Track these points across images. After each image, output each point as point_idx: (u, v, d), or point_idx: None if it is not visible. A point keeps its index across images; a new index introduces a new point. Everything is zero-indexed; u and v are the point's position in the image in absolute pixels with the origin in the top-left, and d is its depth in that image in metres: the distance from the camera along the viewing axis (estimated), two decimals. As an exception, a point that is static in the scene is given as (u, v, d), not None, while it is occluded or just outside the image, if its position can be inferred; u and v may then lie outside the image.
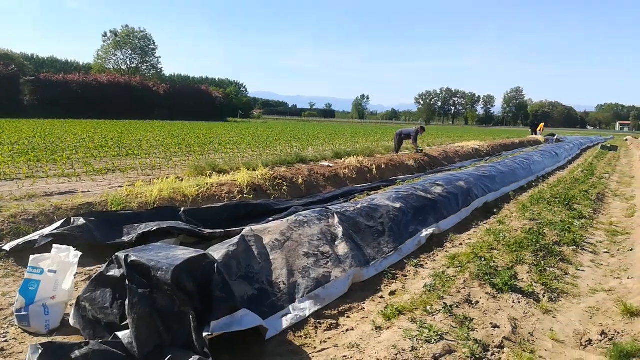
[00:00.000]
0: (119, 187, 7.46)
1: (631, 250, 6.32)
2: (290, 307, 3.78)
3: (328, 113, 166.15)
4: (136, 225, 5.27)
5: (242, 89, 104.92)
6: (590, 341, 3.69)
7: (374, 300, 4.30)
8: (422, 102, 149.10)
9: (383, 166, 12.04)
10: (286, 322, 3.62)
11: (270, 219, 6.05)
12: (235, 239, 4.09)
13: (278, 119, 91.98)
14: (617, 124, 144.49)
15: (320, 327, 3.66)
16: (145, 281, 2.94)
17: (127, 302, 2.89)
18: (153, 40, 73.28)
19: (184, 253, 3.17)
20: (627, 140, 44.22)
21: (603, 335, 3.73)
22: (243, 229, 4.48)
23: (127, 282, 2.95)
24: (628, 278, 5.17)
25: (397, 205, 6.38)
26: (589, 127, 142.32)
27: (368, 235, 5.40)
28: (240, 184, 7.48)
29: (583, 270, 5.47)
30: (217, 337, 2.91)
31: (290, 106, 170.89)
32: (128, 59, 70.61)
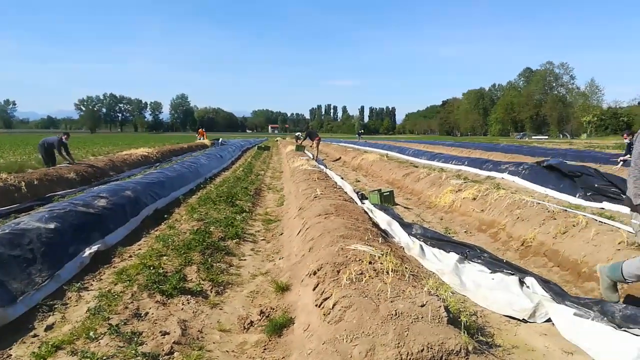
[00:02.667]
0: None
1: (281, 234, 7.45)
2: None
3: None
4: None
5: None
6: (252, 323, 4.10)
7: (25, 342, 3.63)
8: (84, 109, 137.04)
9: (36, 182, 10.39)
10: None
11: None
12: None
13: None
14: (270, 127, 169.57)
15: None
16: None
17: None
18: None
19: None
20: (277, 140, 52.35)
21: (262, 315, 4.22)
22: None
23: None
24: (280, 259, 6.06)
25: (52, 225, 5.59)
26: (248, 131, 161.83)
27: (13, 267, 4.53)
28: None
29: (245, 259, 6.08)
30: None
31: None
32: None
